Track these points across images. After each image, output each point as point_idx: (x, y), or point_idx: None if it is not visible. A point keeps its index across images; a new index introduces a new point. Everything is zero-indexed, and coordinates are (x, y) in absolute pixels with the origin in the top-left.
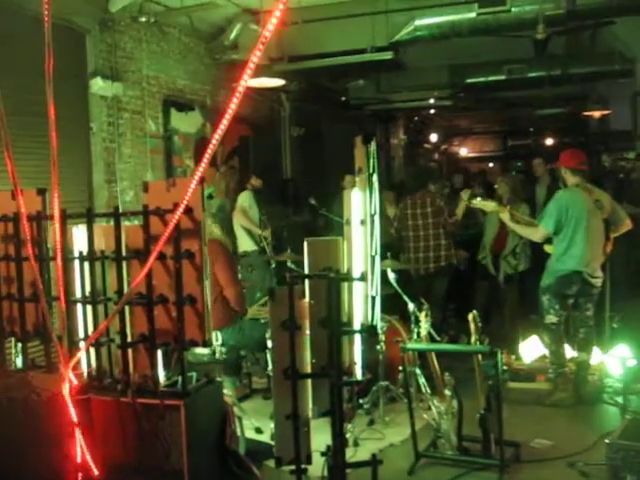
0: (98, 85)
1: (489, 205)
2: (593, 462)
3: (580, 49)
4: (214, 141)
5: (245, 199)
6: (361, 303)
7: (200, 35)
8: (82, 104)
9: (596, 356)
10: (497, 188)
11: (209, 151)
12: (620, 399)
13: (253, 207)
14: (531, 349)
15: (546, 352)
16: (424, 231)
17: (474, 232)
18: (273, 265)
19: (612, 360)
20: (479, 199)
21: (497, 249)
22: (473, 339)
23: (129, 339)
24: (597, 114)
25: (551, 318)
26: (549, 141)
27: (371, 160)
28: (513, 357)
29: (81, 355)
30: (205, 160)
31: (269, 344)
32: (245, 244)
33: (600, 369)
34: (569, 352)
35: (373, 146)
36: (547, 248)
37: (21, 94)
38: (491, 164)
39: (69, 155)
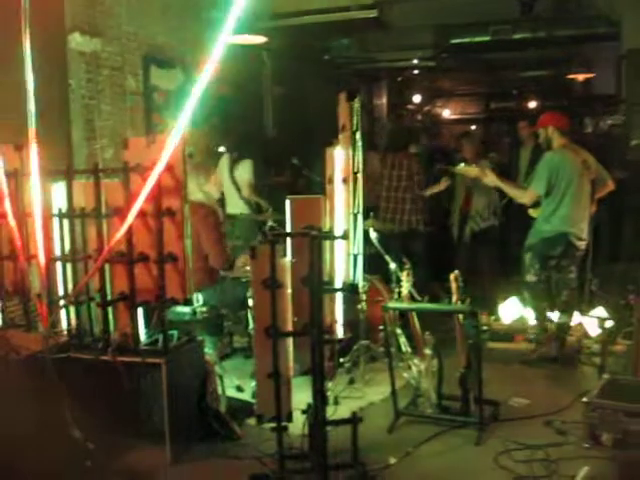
0: (76, 41)
1: (472, 170)
2: (570, 420)
3: (566, 11)
4: (194, 98)
5: (249, 170)
6: (343, 262)
7: None
8: (61, 60)
9: (575, 318)
10: (461, 150)
11: (189, 108)
12: (597, 360)
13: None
14: (510, 310)
15: (524, 313)
16: (395, 192)
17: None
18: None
19: (590, 322)
20: (462, 165)
21: (464, 211)
22: (454, 299)
23: (109, 297)
24: (581, 77)
25: (530, 277)
26: (532, 104)
27: (355, 117)
28: (493, 318)
29: (61, 313)
30: (185, 117)
31: (250, 303)
32: (236, 207)
33: (579, 330)
34: (550, 314)
35: (357, 103)
36: (532, 212)
37: None
38: (473, 126)
39: (48, 111)
